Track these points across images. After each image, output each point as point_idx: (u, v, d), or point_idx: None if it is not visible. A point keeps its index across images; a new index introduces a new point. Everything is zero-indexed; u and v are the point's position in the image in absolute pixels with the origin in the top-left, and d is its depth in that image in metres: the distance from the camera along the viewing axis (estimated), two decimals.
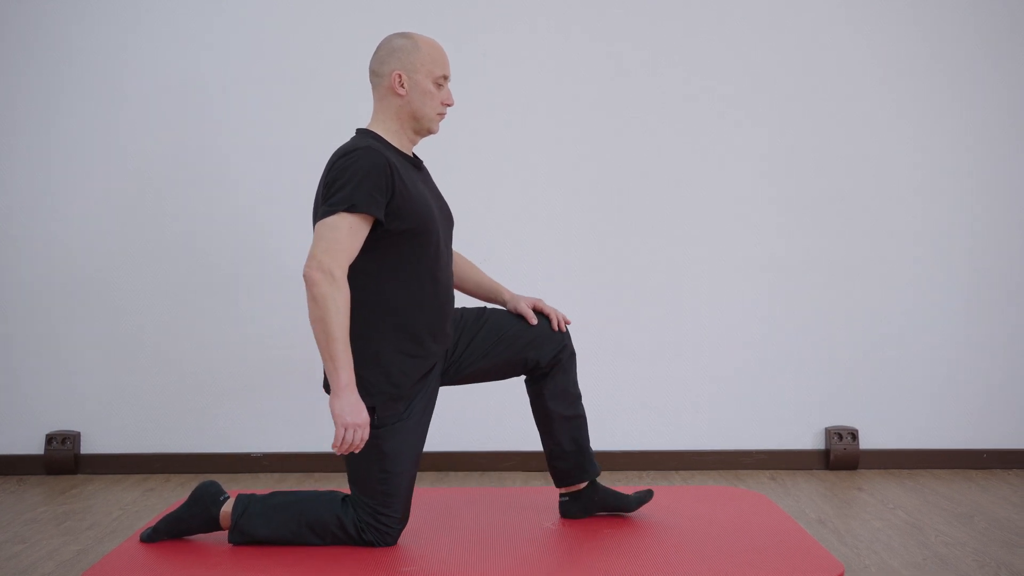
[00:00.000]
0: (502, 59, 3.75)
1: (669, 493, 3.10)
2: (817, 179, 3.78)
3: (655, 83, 3.77)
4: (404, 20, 3.54)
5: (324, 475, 3.67)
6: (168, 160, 3.74)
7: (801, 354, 3.78)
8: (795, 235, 3.78)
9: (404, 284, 2.48)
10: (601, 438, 3.46)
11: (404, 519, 2.53)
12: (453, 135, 3.39)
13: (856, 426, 3.77)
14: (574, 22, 3.76)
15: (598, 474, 2.77)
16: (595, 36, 3.76)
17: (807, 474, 3.69)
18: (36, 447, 3.73)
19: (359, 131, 2.58)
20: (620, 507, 2.77)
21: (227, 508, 2.54)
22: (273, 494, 2.57)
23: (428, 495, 3.03)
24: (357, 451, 2.38)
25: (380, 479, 2.46)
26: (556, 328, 2.71)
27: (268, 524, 2.49)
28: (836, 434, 3.74)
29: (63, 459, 3.68)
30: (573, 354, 2.75)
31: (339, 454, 2.38)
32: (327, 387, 2.53)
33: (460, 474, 3.71)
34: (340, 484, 3.36)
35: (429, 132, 2.60)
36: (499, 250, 3.68)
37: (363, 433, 2.36)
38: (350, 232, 2.36)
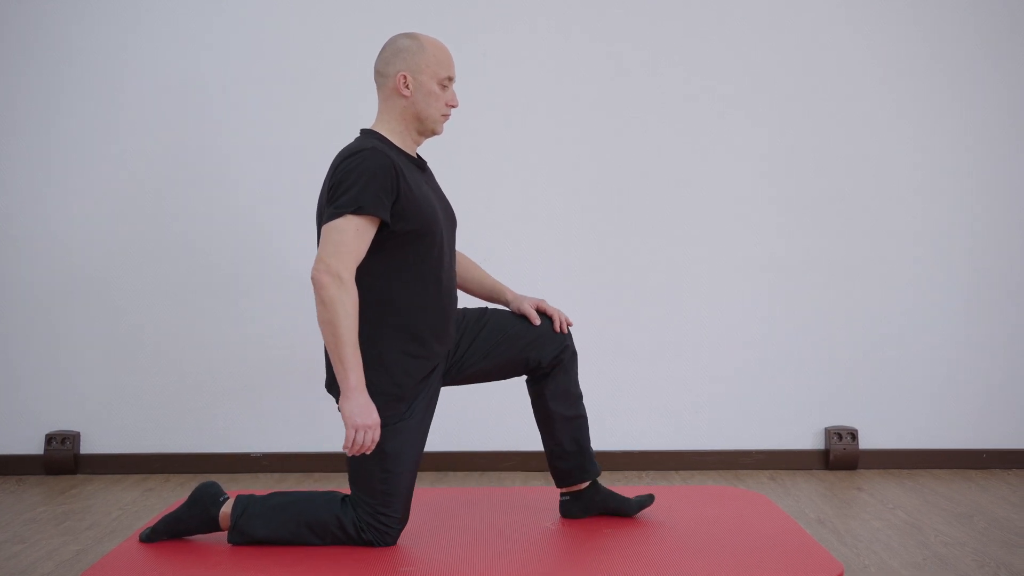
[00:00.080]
0: (502, 59, 3.75)
1: (669, 493, 3.10)
2: (817, 179, 3.78)
3: (655, 83, 3.77)
4: (404, 20, 3.54)
5: (324, 475, 3.67)
6: (168, 160, 3.74)
7: (801, 354, 3.78)
8: (795, 235, 3.78)
9: (408, 285, 2.48)
10: (601, 438, 3.46)
11: (404, 519, 2.53)
12: (453, 135, 3.39)
13: (856, 426, 3.77)
14: (574, 22, 3.76)
15: (599, 474, 2.77)
16: (595, 36, 3.76)
17: (807, 474, 3.69)
18: (36, 447, 3.73)
19: (363, 132, 2.58)
20: (620, 510, 2.77)
21: (226, 509, 2.54)
22: (272, 494, 2.57)
23: (428, 495, 3.03)
24: (368, 452, 2.39)
25: (381, 479, 2.46)
26: (558, 330, 2.71)
27: (267, 524, 2.49)
28: (836, 434, 3.74)
29: (63, 459, 3.68)
30: (575, 354, 2.75)
31: (349, 455, 2.38)
32: (329, 388, 2.54)
33: (460, 474, 3.71)
34: (339, 484, 3.36)
35: (433, 133, 2.60)
36: (499, 250, 3.68)
37: (374, 434, 2.36)
38: (357, 234, 2.37)
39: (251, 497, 2.55)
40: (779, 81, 3.77)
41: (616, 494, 2.79)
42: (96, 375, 3.74)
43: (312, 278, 2.35)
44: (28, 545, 2.81)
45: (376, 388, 2.43)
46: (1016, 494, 3.37)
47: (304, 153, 3.71)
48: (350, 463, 2.50)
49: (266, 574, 2.32)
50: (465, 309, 2.74)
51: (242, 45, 3.74)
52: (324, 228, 2.39)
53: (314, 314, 3.52)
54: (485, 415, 3.72)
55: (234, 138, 3.74)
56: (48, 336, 3.74)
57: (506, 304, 2.78)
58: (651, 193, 3.77)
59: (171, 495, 3.39)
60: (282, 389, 3.72)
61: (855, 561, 2.63)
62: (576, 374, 2.75)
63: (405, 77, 2.52)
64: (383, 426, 2.45)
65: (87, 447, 3.74)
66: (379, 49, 2.65)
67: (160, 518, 2.61)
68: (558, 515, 2.80)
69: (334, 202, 2.38)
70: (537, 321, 2.70)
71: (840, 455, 3.72)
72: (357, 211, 2.36)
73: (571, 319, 2.78)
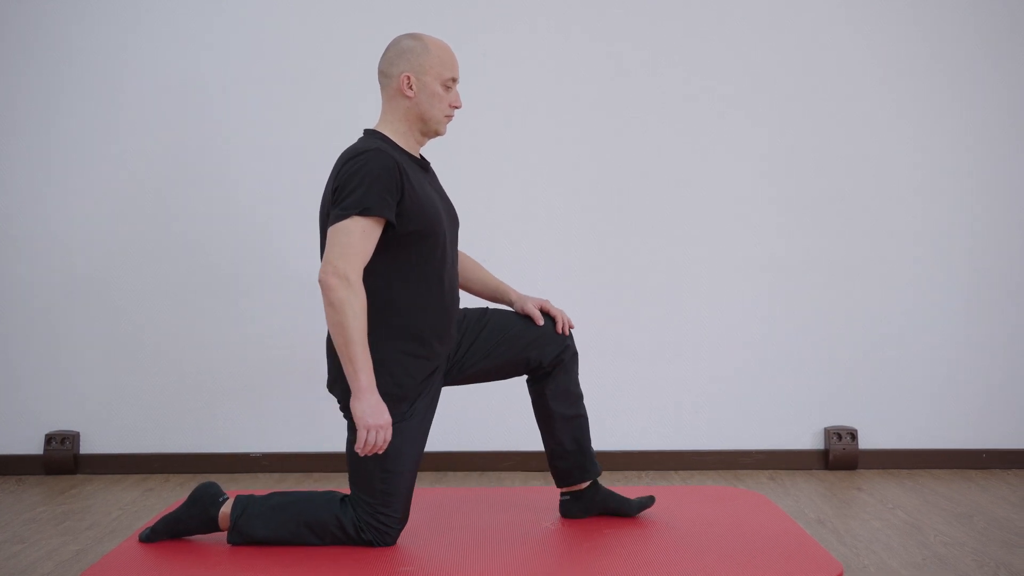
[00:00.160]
0: (502, 59, 3.75)
1: (668, 493, 3.10)
2: (817, 179, 3.78)
3: (655, 83, 3.77)
4: (404, 20, 3.54)
5: (323, 475, 3.67)
6: (168, 160, 3.74)
7: (801, 354, 3.78)
8: (795, 235, 3.78)
9: (411, 285, 2.48)
10: (601, 438, 3.45)
11: (404, 519, 2.53)
12: (454, 135, 3.39)
13: (855, 426, 3.77)
14: (574, 22, 3.76)
15: (599, 474, 2.77)
16: (595, 36, 3.76)
17: (806, 474, 3.69)
18: (35, 447, 3.73)
19: (367, 132, 2.58)
20: (621, 510, 2.77)
21: (226, 509, 2.54)
22: (272, 495, 2.57)
23: (427, 495, 3.03)
24: (381, 452, 2.39)
25: (381, 478, 2.46)
26: (560, 331, 2.71)
27: (267, 525, 2.50)
28: (835, 434, 3.73)
29: (62, 459, 3.68)
30: (575, 354, 2.75)
31: (361, 455, 2.39)
32: (331, 388, 2.54)
33: (459, 474, 3.71)
34: (339, 484, 3.36)
35: (436, 134, 2.60)
36: (499, 250, 3.68)
37: (386, 434, 2.37)
38: (363, 235, 2.37)
39: (250, 497, 2.55)
40: (779, 81, 3.77)
41: (616, 494, 2.79)
42: (96, 375, 3.74)
43: (320, 281, 2.35)
44: (28, 545, 2.82)
45: (378, 388, 2.43)
46: (1016, 494, 3.37)
47: (304, 153, 3.71)
48: (350, 463, 2.50)
49: (266, 574, 2.32)
50: (466, 309, 2.74)
51: (242, 45, 3.74)
52: (330, 230, 2.38)
53: (314, 314, 3.54)
54: (485, 415, 3.72)
55: (234, 138, 3.74)
56: (48, 336, 3.74)
57: (510, 304, 2.79)
58: (651, 193, 3.77)
59: (171, 495, 3.39)
60: (282, 389, 3.73)
61: (855, 561, 2.63)
62: (577, 374, 2.76)
63: (409, 78, 2.52)
64: None
65: (87, 447, 3.74)
66: (379, 49, 2.65)
67: (160, 518, 2.62)
68: (558, 515, 2.80)
69: (339, 204, 2.38)
70: (541, 321, 2.70)
71: (840, 455, 3.72)
72: (363, 212, 2.36)
73: (571, 319, 2.78)
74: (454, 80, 2.57)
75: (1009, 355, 3.79)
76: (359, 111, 3.47)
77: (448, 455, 3.73)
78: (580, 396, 2.76)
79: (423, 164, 2.62)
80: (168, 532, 2.58)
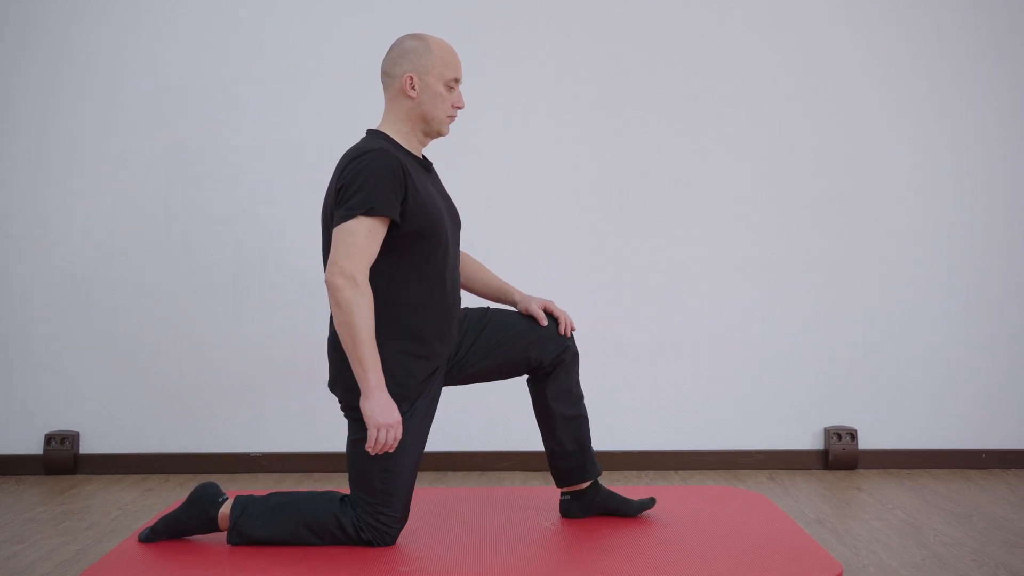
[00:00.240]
0: (502, 59, 3.75)
1: (668, 493, 3.10)
2: (817, 179, 3.78)
3: (655, 83, 3.77)
4: (404, 20, 3.54)
5: (323, 475, 3.67)
6: (168, 160, 3.74)
7: (801, 354, 3.78)
8: (795, 235, 3.78)
9: (412, 285, 2.48)
10: (601, 438, 3.45)
11: (403, 519, 2.53)
12: (454, 135, 3.38)
13: (855, 426, 3.77)
14: (574, 22, 3.76)
15: (599, 474, 2.77)
16: (595, 36, 3.76)
17: (806, 474, 3.69)
18: (35, 447, 3.73)
19: (369, 132, 2.58)
20: (621, 510, 2.77)
21: (225, 509, 2.54)
22: (271, 495, 2.57)
23: (427, 495, 3.03)
24: (391, 451, 2.39)
25: (381, 478, 2.46)
26: (562, 333, 2.71)
27: (266, 525, 2.50)
28: (835, 434, 3.73)
29: (62, 459, 3.68)
30: (576, 355, 2.75)
31: (372, 454, 2.39)
32: (332, 387, 2.54)
33: (459, 474, 3.71)
34: (339, 484, 3.36)
35: (439, 134, 2.61)
36: (499, 250, 3.68)
37: (396, 433, 2.37)
38: (368, 235, 2.37)
39: (250, 497, 2.55)
40: (779, 81, 3.77)
41: (616, 494, 2.79)
42: (96, 375, 3.74)
43: (326, 281, 2.35)
44: (27, 545, 2.82)
45: None
46: (1015, 494, 3.37)
47: (304, 153, 3.71)
48: (350, 463, 2.50)
49: (265, 574, 2.32)
50: (467, 309, 2.74)
51: (242, 45, 3.74)
52: (335, 231, 2.38)
53: (314, 314, 3.55)
54: (485, 415, 3.72)
55: (234, 138, 3.74)
56: (48, 336, 3.74)
57: (514, 304, 2.79)
58: (651, 193, 3.77)
59: (170, 495, 3.39)
60: (282, 389, 3.73)
61: (854, 561, 2.63)
62: (577, 374, 2.76)
63: (412, 78, 2.52)
64: None
65: (86, 447, 3.74)
66: (379, 49, 2.65)
67: (159, 518, 2.62)
68: (558, 515, 2.80)
69: (344, 204, 2.38)
70: (544, 322, 2.70)
71: (839, 455, 3.72)
72: (368, 212, 2.36)
73: (574, 324, 2.78)
74: (457, 80, 2.57)
75: (1009, 355, 3.79)
76: (359, 111, 3.47)
77: (448, 455, 3.73)
78: (581, 396, 2.76)
79: (426, 164, 2.62)
80: (168, 532, 2.58)
